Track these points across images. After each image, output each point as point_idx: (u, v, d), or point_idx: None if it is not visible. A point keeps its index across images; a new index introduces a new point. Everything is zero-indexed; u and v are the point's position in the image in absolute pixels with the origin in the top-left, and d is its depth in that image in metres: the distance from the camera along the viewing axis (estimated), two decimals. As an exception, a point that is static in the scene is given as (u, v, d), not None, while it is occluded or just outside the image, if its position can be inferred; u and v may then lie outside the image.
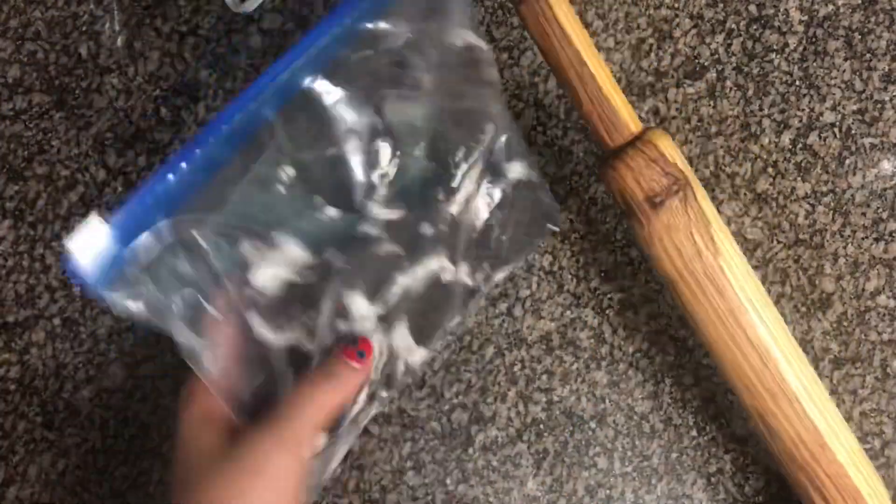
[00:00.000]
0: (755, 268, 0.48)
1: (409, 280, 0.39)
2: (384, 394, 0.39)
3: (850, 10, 0.50)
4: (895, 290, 0.48)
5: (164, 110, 0.49)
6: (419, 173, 0.40)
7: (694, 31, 0.50)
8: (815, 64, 0.50)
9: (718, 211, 0.48)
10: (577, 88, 0.40)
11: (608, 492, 0.47)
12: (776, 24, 0.50)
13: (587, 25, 0.49)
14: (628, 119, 0.40)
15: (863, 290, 0.48)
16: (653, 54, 0.50)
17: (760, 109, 0.49)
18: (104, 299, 0.33)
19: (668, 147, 0.40)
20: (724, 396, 0.47)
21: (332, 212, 0.38)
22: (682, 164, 0.40)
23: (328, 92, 0.37)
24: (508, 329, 0.48)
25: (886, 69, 0.50)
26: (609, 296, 0.48)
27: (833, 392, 0.47)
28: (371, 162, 0.38)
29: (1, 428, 0.47)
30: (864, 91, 0.49)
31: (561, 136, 0.49)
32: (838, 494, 0.40)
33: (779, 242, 0.48)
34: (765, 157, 0.49)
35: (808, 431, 0.39)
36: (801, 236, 0.49)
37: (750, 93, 0.49)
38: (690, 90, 0.49)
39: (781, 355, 0.40)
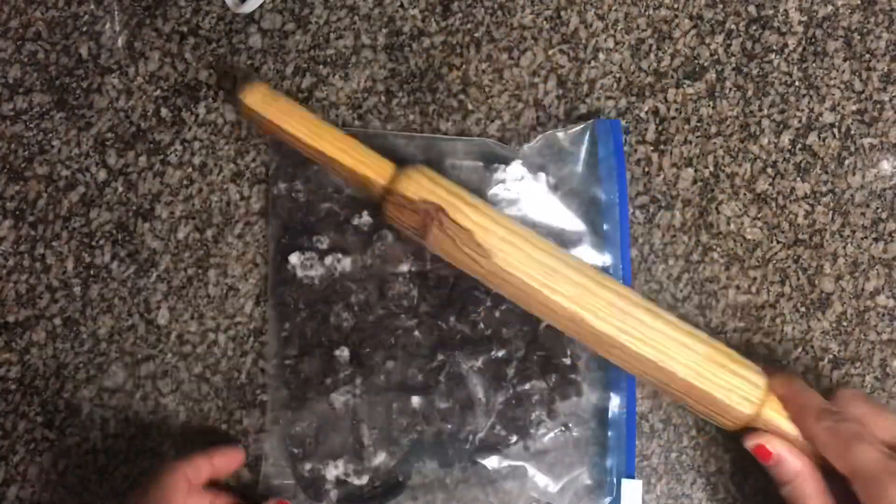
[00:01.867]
0: (755, 267, 0.48)
1: None
2: None
3: (850, 11, 0.50)
4: (894, 289, 0.48)
5: (164, 110, 0.49)
6: None
7: (694, 32, 0.50)
8: (814, 64, 0.50)
9: (718, 211, 0.48)
10: (327, 166, 0.45)
11: (608, 491, 0.47)
12: (776, 24, 0.50)
13: (587, 26, 0.50)
14: (375, 175, 0.43)
15: (862, 289, 0.48)
16: (653, 54, 0.50)
17: (760, 110, 0.49)
18: None
19: (412, 187, 0.42)
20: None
21: None
22: (430, 193, 0.42)
23: None
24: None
25: (886, 69, 0.50)
26: (609, 296, 0.48)
27: (833, 392, 0.47)
28: None
29: (1, 428, 0.47)
30: (863, 91, 0.49)
31: (561, 136, 0.49)
32: (697, 403, 0.42)
33: (778, 242, 0.49)
34: (764, 157, 0.49)
35: (643, 363, 0.42)
36: (800, 236, 0.49)
37: (749, 93, 0.49)
38: (690, 90, 0.49)
39: (587, 311, 0.41)
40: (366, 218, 0.47)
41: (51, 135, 0.49)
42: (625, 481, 0.45)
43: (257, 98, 0.44)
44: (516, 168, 0.47)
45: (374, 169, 0.43)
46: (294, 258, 0.46)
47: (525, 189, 0.47)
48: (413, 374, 0.45)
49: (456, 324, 0.46)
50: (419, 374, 0.46)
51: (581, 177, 0.47)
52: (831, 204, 0.49)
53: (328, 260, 0.46)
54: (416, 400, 0.45)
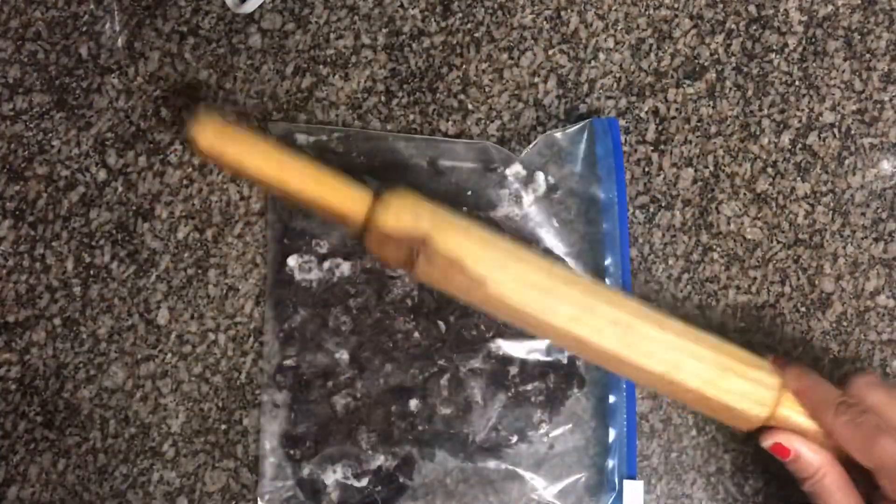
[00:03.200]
0: (755, 267, 0.48)
1: None
2: None
3: (850, 11, 0.50)
4: (894, 289, 0.48)
5: (164, 110, 0.49)
6: None
7: (694, 32, 0.50)
8: (814, 64, 0.50)
9: (718, 211, 0.48)
10: (299, 203, 0.40)
11: (608, 492, 0.47)
12: (776, 24, 0.50)
13: (587, 25, 0.50)
14: (350, 209, 0.39)
15: (862, 289, 0.48)
16: (653, 54, 0.50)
17: (760, 109, 0.49)
18: None
19: (392, 220, 0.39)
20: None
21: None
22: (413, 224, 0.39)
23: None
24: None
25: (886, 69, 0.50)
26: (609, 296, 0.48)
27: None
28: None
29: (1, 428, 0.47)
30: (863, 91, 0.49)
31: (561, 136, 0.49)
32: (710, 411, 0.41)
33: (778, 242, 0.49)
34: (764, 157, 0.49)
35: (652, 376, 0.40)
36: (800, 236, 0.49)
37: (750, 93, 0.49)
38: (690, 90, 0.49)
39: (589, 331, 0.39)
40: None
41: (51, 135, 0.49)
42: (626, 482, 0.45)
43: (210, 135, 0.39)
44: (515, 170, 0.47)
45: (348, 201, 0.40)
46: (292, 261, 0.46)
47: (524, 190, 0.47)
48: (412, 376, 0.46)
49: (455, 325, 0.46)
50: (419, 375, 0.46)
51: (580, 176, 0.47)
52: (831, 204, 0.49)
53: (327, 264, 0.46)
54: (415, 402, 0.45)
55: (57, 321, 0.48)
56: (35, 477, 0.47)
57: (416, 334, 0.46)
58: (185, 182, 0.48)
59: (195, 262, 0.48)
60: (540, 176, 0.47)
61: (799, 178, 0.49)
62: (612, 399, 0.46)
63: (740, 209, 0.49)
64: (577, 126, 0.47)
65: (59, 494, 0.47)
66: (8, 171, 0.48)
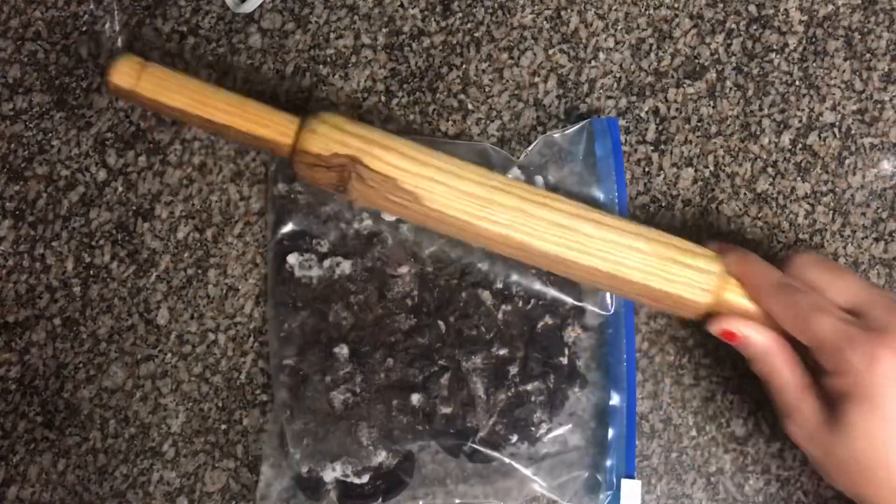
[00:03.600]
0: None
1: None
2: None
3: (850, 10, 0.50)
4: (895, 289, 0.48)
5: (164, 110, 0.49)
6: None
7: (694, 31, 0.50)
8: (814, 64, 0.50)
9: (718, 211, 0.48)
10: (227, 137, 0.41)
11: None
12: (776, 24, 0.50)
13: (587, 25, 0.50)
14: (276, 134, 0.40)
15: (863, 290, 0.48)
16: (653, 54, 0.50)
17: (760, 109, 0.49)
18: None
19: (319, 143, 0.40)
20: (724, 396, 0.47)
21: None
22: (341, 145, 0.40)
23: None
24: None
25: (886, 69, 0.50)
26: (609, 296, 0.48)
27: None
28: None
29: (1, 428, 0.47)
30: (863, 91, 0.49)
31: (561, 136, 0.49)
32: (655, 301, 0.42)
33: (779, 242, 0.48)
34: (765, 157, 0.49)
35: (595, 274, 0.41)
36: (801, 236, 0.49)
37: (750, 93, 0.49)
38: (690, 90, 0.49)
39: (528, 235, 0.40)
40: (367, 222, 0.47)
41: (51, 135, 0.49)
42: (624, 481, 0.45)
43: (125, 75, 0.40)
44: (514, 175, 0.47)
45: (274, 129, 0.40)
46: (292, 258, 0.46)
47: None
48: (413, 372, 0.46)
49: (456, 323, 0.46)
50: (419, 372, 0.46)
51: (580, 176, 0.47)
52: (832, 204, 0.49)
53: (327, 262, 0.46)
54: (416, 398, 0.45)
55: (57, 321, 0.48)
56: (35, 477, 0.47)
57: (417, 331, 0.46)
58: (185, 182, 0.48)
59: (195, 262, 0.48)
60: (539, 180, 0.47)
61: (799, 178, 0.49)
62: (612, 399, 0.46)
63: (740, 209, 0.49)
64: (577, 126, 0.47)
65: (59, 494, 0.47)
66: (8, 171, 0.48)
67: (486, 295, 0.46)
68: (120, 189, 0.48)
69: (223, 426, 0.47)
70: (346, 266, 0.46)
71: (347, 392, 0.45)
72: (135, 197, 0.48)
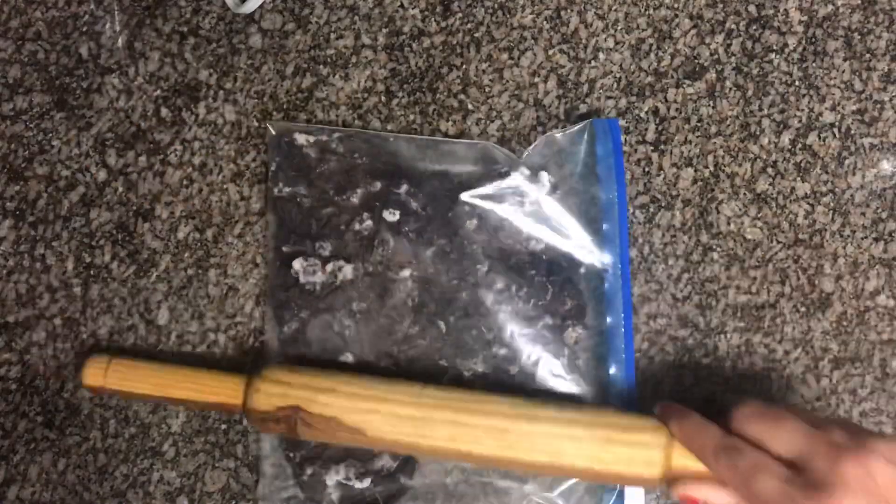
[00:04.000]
0: (755, 267, 0.48)
1: None
2: None
3: (850, 11, 0.50)
4: (895, 290, 0.48)
5: (164, 110, 0.49)
6: None
7: (694, 32, 0.50)
8: (814, 64, 0.50)
9: (718, 211, 0.48)
10: (182, 404, 0.45)
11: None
12: (776, 24, 0.50)
13: (587, 25, 0.50)
14: (227, 398, 0.44)
15: (862, 289, 0.48)
16: (653, 54, 0.50)
17: (760, 109, 0.49)
18: None
19: (263, 401, 0.43)
20: (724, 396, 0.47)
21: None
22: (282, 398, 0.43)
23: None
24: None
25: (886, 69, 0.50)
26: (609, 296, 0.48)
27: (833, 392, 0.47)
28: None
29: (1, 427, 0.47)
30: (863, 91, 0.49)
31: (561, 136, 0.49)
32: (606, 481, 0.43)
33: (778, 242, 0.49)
34: (764, 157, 0.49)
35: (540, 467, 0.42)
36: (800, 236, 0.49)
37: (750, 93, 0.49)
38: (690, 90, 0.49)
39: (468, 445, 0.42)
40: (367, 223, 0.46)
41: (51, 135, 0.49)
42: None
43: (94, 375, 0.45)
44: (523, 171, 0.47)
45: (224, 394, 0.44)
46: (297, 264, 0.46)
47: (526, 190, 0.47)
48: (415, 376, 0.45)
49: (456, 326, 0.46)
50: (421, 376, 0.45)
51: (580, 177, 0.47)
52: (831, 204, 0.49)
53: (330, 266, 0.46)
54: None
55: (57, 321, 0.48)
56: (35, 477, 0.47)
57: (419, 335, 0.46)
58: (185, 182, 0.48)
59: (195, 262, 0.48)
60: (543, 175, 0.47)
61: (799, 178, 0.49)
62: (612, 399, 0.46)
63: (740, 209, 0.49)
64: (578, 126, 0.47)
65: (59, 494, 0.47)
66: (8, 171, 0.48)
67: (487, 295, 0.46)
68: (120, 189, 0.48)
69: (223, 426, 0.47)
70: (347, 270, 0.46)
71: None
72: (135, 197, 0.48)
